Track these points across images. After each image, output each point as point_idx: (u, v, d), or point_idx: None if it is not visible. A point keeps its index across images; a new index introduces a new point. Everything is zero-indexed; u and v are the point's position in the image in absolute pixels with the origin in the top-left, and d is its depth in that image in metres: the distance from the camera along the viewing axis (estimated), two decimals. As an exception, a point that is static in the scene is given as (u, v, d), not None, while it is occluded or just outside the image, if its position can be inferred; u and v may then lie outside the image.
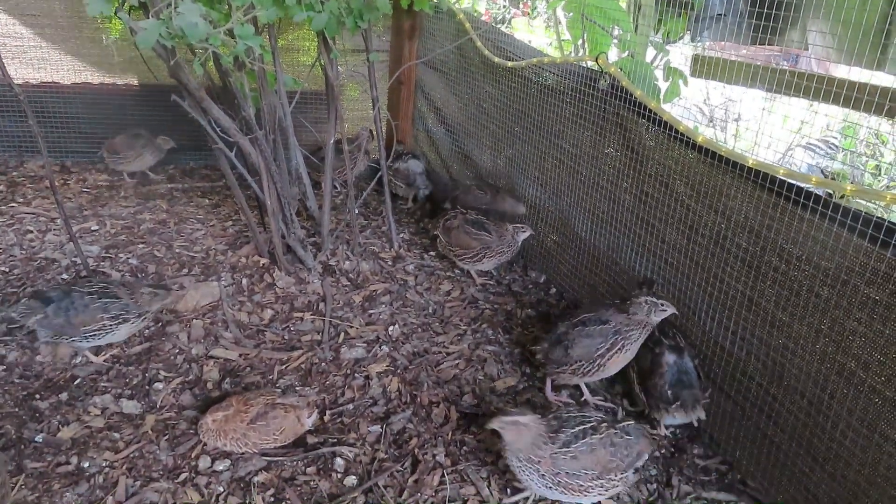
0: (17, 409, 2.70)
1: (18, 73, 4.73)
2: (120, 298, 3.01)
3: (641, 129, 3.03)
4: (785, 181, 2.39)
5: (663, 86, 3.54)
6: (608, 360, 2.76)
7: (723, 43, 4.44)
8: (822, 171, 5.74)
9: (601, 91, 3.21)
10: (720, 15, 4.42)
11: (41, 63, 4.82)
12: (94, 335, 2.95)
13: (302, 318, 3.38)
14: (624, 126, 3.14)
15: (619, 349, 2.75)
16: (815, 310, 2.31)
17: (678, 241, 2.93)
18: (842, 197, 2.30)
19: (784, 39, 3.61)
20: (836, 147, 6.13)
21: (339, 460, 2.53)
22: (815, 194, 2.31)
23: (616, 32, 3.98)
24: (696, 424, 2.76)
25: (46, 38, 4.77)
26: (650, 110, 2.92)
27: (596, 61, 3.18)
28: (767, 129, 3.46)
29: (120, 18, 2.86)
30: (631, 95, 3.02)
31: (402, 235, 4.32)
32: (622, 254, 3.30)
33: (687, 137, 2.74)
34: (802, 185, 2.34)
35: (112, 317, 2.96)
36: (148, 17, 2.77)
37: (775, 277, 2.46)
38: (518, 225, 3.71)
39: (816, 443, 2.35)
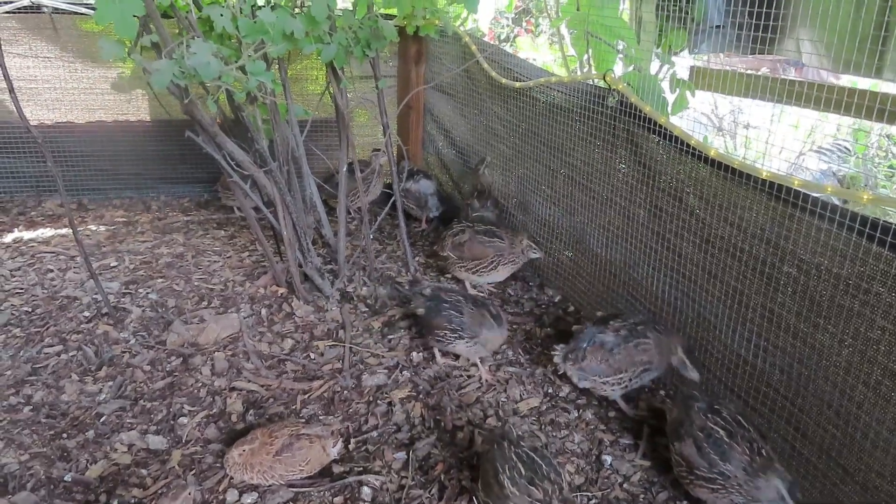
0: (45, 449, 2.72)
1: (34, 114, 4.82)
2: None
3: (652, 144, 3.05)
4: (800, 191, 2.39)
5: (670, 97, 3.55)
6: None
7: (721, 55, 4.46)
8: (834, 176, 5.72)
9: (610, 108, 3.23)
10: (718, 27, 4.45)
11: (55, 104, 4.92)
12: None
13: (322, 347, 3.39)
14: (634, 142, 3.16)
15: None
16: (837, 319, 2.29)
17: (694, 255, 2.92)
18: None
19: (780, 49, 3.64)
20: (849, 151, 6.11)
21: (365, 489, 2.53)
22: (832, 203, 2.31)
23: (620, 47, 4.01)
24: None
25: (60, 80, 4.86)
26: (660, 125, 2.93)
27: (604, 79, 3.21)
28: (777, 136, 3.47)
29: (133, 59, 2.92)
30: (640, 111, 3.04)
31: (417, 259, 4.34)
32: (638, 269, 3.30)
33: (699, 151, 2.75)
34: (818, 195, 2.34)
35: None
36: (160, 57, 2.83)
37: (795, 287, 2.45)
38: (531, 244, 3.78)
39: (846, 454, 2.32)
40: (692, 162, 2.84)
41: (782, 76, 4.36)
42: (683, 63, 4.51)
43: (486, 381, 3.16)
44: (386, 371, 3.20)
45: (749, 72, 4.15)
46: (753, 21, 3.55)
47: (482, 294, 3.90)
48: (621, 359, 2.87)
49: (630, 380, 2.88)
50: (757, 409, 2.70)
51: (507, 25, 8.35)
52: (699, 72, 4.46)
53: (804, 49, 3.40)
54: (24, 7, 4.61)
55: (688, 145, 2.80)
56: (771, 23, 3.43)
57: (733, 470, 2.30)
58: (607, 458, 2.70)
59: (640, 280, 3.29)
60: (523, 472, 2.23)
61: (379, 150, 4.86)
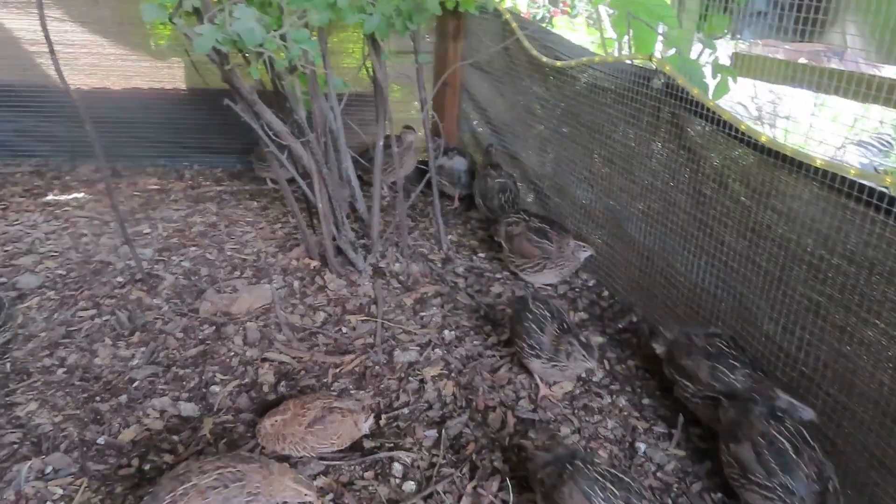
0: (78, 411, 2.75)
1: (71, 79, 4.76)
2: None
3: (697, 127, 2.96)
4: (855, 181, 2.30)
5: (711, 83, 3.46)
6: None
7: (763, 41, 4.34)
8: (875, 170, 5.57)
9: (654, 90, 3.15)
10: (762, 12, 4.33)
11: (92, 69, 4.94)
12: None
13: (354, 321, 3.38)
14: (678, 125, 3.07)
15: None
16: (888, 314, 2.22)
17: (737, 244, 2.85)
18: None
19: (824, 38, 3.52)
20: (890, 144, 5.95)
21: (396, 465, 2.52)
22: (889, 195, 2.23)
23: (661, 29, 3.91)
24: None
25: (97, 45, 4.87)
26: (707, 109, 2.85)
27: (650, 59, 3.12)
28: (817, 127, 3.36)
29: (174, 24, 2.89)
30: (686, 94, 2.96)
31: (450, 237, 4.30)
32: (677, 256, 3.23)
33: (747, 136, 2.67)
34: (874, 185, 2.25)
35: None
36: (201, 23, 2.80)
37: (844, 281, 2.37)
38: (580, 243, 3.58)
39: (892, 453, 2.26)
40: (739, 147, 2.75)
41: (825, 65, 4.23)
42: (724, 48, 4.40)
43: (545, 397, 2.92)
44: (418, 348, 3.18)
45: (789, 60, 4.04)
46: (799, 9, 3.44)
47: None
48: None
49: None
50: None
51: (544, 5, 8.20)
52: (740, 58, 4.34)
53: (850, 39, 3.29)
54: (65, -30, 4.61)
55: (736, 130, 2.72)
56: (817, 13, 3.32)
57: (797, 487, 2.19)
58: (641, 446, 2.66)
59: (679, 267, 3.22)
60: (617, 492, 2.08)
61: (410, 127, 4.81)
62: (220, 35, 2.57)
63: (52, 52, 3.04)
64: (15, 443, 2.58)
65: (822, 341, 2.50)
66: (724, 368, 2.61)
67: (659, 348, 2.94)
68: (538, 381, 2.97)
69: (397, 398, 2.87)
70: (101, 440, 2.62)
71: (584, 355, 2.74)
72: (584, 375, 3.03)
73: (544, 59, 3.80)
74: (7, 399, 2.80)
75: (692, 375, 2.69)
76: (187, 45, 4.04)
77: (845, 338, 2.40)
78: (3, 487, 2.38)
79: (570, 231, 3.71)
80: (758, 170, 2.68)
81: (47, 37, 3.01)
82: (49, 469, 2.46)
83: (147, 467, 2.50)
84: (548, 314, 2.93)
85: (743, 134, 2.68)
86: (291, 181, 3.61)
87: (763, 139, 2.59)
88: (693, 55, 4.22)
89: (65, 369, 2.99)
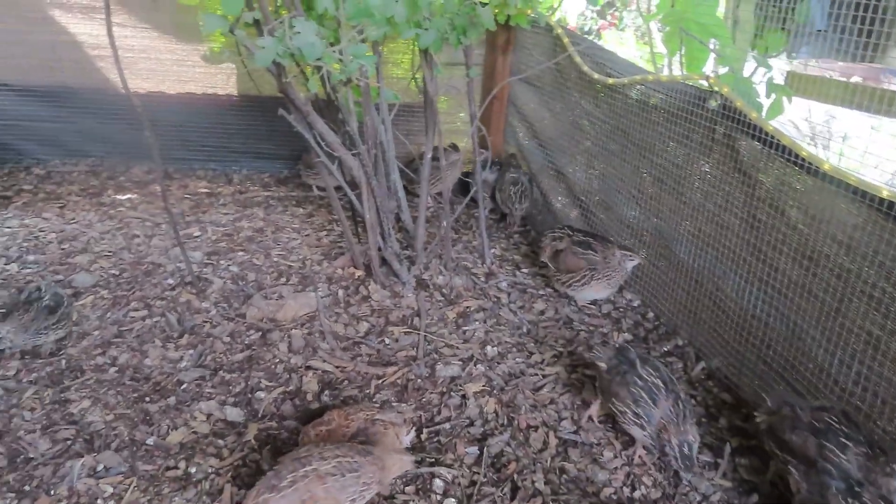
0: (129, 411, 2.82)
1: (130, 83, 4.91)
2: None
3: (753, 150, 2.90)
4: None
5: (765, 102, 3.39)
6: None
7: (820, 60, 4.24)
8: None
9: (710, 110, 3.10)
10: (820, 31, 4.23)
11: (149, 74, 5.07)
12: None
13: (397, 333, 3.40)
14: (733, 147, 3.02)
15: None
16: (955, 354, 2.14)
17: (792, 272, 2.78)
18: None
19: (885, 58, 3.42)
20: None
21: (438, 481, 2.52)
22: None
23: (713, 46, 3.85)
24: None
25: (155, 50, 5.00)
26: (765, 132, 2.79)
27: (707, 80, 3.08)
28: (874, 148, 3.26)
29: (234, 35, 2.95)
30: (742, 115, 2.90)
31: (493, 251, 4.29)
32: (727, 280, 3.17)
33: (808, 163, 2.61)
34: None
35: None
36: (260, 35, 2.85)
37: (907, 315, 2.30)
38: (626, 252, 3.55)
39: (953, 497, 2.17)
40: (797, 173, 2.69)
41: (883, 86, 4.11)
42: (779, 66, 4.30)
43: (640, 457, 2.68)
44: (460, 363, 3.18)
45: (846, 79, 3.93)
46: (860, 29, 3.35)
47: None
48: None
49: None
50: (851, 438, 2.55)
51: (592, 18, 8.16)
52: (795, 76, 4.25)
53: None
54: (126, -22, 4.75)
55: (795, 155, 2.66)
56: (881, 28, 3.23)
57: None
58: (685, 475, 2.61)
59: (728, 292, 3.15)
60: None
61: (454, 146, 4.83)
62: (280, 48, 2.61)
63: (116, 57, 3.13)
64: (69, 439, 2.65)
65: (880, 376, 2.43)
66: (835, 447, 2.27)
67: (760, 417, 2.64)
68: (638, 444, 2.70)
69: (439, 412, 2.87)
70: (150, 440, 2.67)
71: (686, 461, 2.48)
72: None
73: (596, 75, 3.78)
74: (62, 395, 2.88)
75: (797, 452, 2.37)
76: (244, 54, 4.12)
77: (906, 375, 2.32)
78: (57, 483, 2.45)
79: (614, 242, 3.67)
80: (817, 196, 2.61)
81: (112, 42, 3.10)
82: (100, 467, 2.53)
83: (193, 470, 2.54)
84: (660, 383, 2.63)
85: (803, 160, 2.62)
86: (338, 189, 3.66)
87: (826, 167, 2.53)
88: (745, 73, 4.15)
89: (116, 368, 3.07)
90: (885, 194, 2.31)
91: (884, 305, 2.38)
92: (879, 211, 2.36)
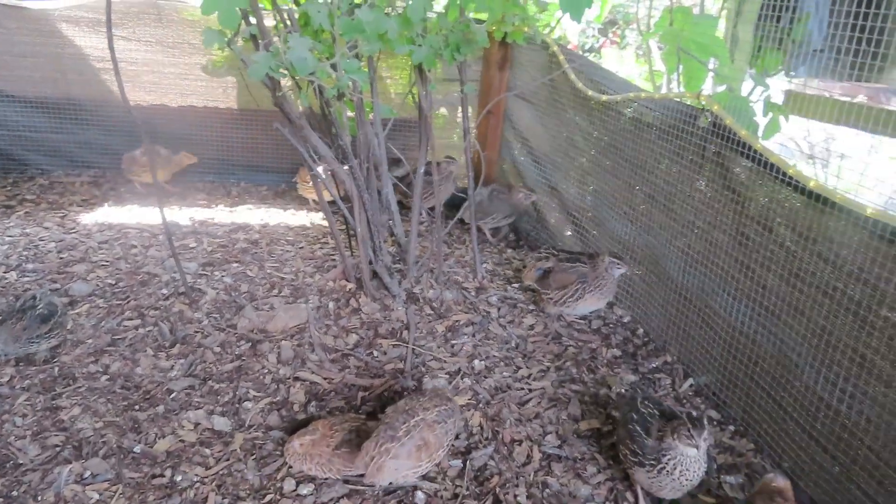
0: (118, 419, 2.84)
1: (132, 95, 5.04)
2: None
3: (743, 168, 2.92)
4: (906, 232, 2.24)
5: (762, 121, 3.41)
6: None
7: (818, 79, 4.26)
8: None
9: (700, 128, 3.13)
10: (819, 50, 4.25)
11: (152, 87, 5.14)
12: None
13: (385, 345, 3.41)
14: (724, 165, 3.04)
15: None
16: (937, 373, 2.14)
17: (780, 288, 2.79)
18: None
19: (884, 77, 3.44)
20: (950, 189, 5.74)
21: (419, 494, 2.52)
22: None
23: (712, 65, 3.88)
24: None
25: (158, 64, 5.08)
26: (754, 150, 2.81)
27: (698, 98, 3.11)
28: (873, 167, 3.27)
29: (232, 49, 3.01)
30: (733, 134, 2.93)
31: (485, 265, 4.31)
32: (716, 297, 3.17)
33: (795, 181, 2.62)
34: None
35: None
36: (257, 49, 2.91)
37: (892, 333, 2.30)
38: (613, 259, 3.55)
39: (936, 517, 2.16)
40: (786, 191, 2.71)
41: (883, 105, 4.13)
42: (777, 85, 4.33)
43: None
44: (447, 376, 3.19)
45: (846, 99, 3.94)
46: (860, 46, 3.37)
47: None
48: None
49: None
50: (836, 456, 2.55)
51: (593, 35, 8.23)
52: (794, 96, 4.27)
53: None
54: (132, -7, 4.85)
55: (783, 173, 2.67)
56: (878, 49, 3.25)
57: None
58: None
59: (717, 309, 3.16)
60: None
61: (453, 157, 4.87)
62: (273, 63, 2.66)
63: (116, 70, 3.18)
64: (58, 446, 2.67)
65: (865, 395, 2.42)
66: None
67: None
68: (639, 495, 2.58)
69: (425, 425, 2.87)
70: (137, 448, 2.69)
71: (690, 435, 2.35)
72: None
73: (590, 92, 3.82)
74: (53, 402, 2.90)
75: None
76: (242, 69, 4.19)
77: (891, 392, 2.32)
78: (44, 489, 2.47)
79: (600, 252, 3.68)
80: (805, 214, 2.62)
81: (113, 55, 3.15)
82: (87, 473, 2.54)
83: (179, 478, 2.55)
84: (657, 413, 2.56)
85: (790, 177, 2.64)
86: (332, 203, 3.69)
87: (811, 184, 2.54)
88: (744, 92, 4.17)
89: (108, 376, 3.09)
90: (869, 212, 2.32)
91: (868, 323, 2.38)
92: (864, 228, 2.37)
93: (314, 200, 5.03)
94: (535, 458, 2.72)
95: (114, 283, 3.85)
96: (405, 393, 3.06)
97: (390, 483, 2.49)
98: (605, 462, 2.73)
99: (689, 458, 2.37)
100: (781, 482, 2.38)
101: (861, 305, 2.40)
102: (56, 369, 3.12)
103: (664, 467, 2.38)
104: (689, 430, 2.34)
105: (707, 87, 4.14)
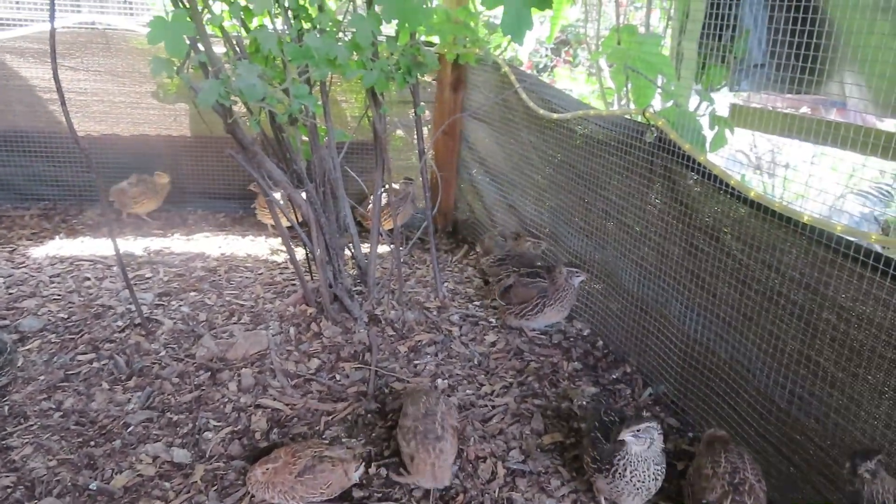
0: (72, 456, 2.76)
1: (82, 125, 4.97)
2: None
3: (690, 181, 3.02)
4: (843, 238, 2.34)
5: (709, 134, 3.52)
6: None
7: (761, 93, 4.43)
8: (876, 220, 5.61)
9: (648, 143, 3.22)
10: (759, 65, 4.42)
11: (103, 116, 5.08)
12: None
13: (347, 368, 3.40)
14: (671, 178, 3.14)
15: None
16: (877, 370, 2.23)
17: (730, 296, 2.87)
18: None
19: (823, 90, 3.59)
20: (890, 194, 6.00)
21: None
22: (875, 251, 2.26)
23: (660, 81, 4.00)
24: None
25: (108, 93, 5.02)
26: (699, 163, 2.91)
27: (643, 114, 3.20)
28: (816, 177, 3.41)
29: (181, 77, 3.00)
30: (679, 147, 3.02)
31: (446, 284, 4.34)
32: (671, 307, 3.25)
33: (738, 191, 2.72)
34: (861, 242, 2.29)
35: None
36: (207, 77, 2.91)
37: (834, 335, 2.39)
38: (571, 268, 3.62)
39: (885, 512, 2.24)
40: (730, 201, 2.80)
41: (823, 117, 4.31)
42: (723, 100, 4.48)
43: None
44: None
45: (789, 111, 4.11)
46: (797, 62, 3.51)
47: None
48: None
49: None
50: (790, 458, 2.62)
51: (546, 55, 8.40)
52: (738, 110, 4.42)
53: (848, 91, 3.36)
54: (80, 23, 4.79)
55: (726, 184, 2.77)
56: (815, 64, 3.39)
57: None
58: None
59: (672, 318, 3.24)
60: None
61: (410, 178, 4.92)
62: (222, 90, 2.66)
63: (62, 101, 3.14)
64: (9, 487, 2.58)
65: (812, 395, 2.51)
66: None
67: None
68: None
69: (388, 447, 2.87)
70: (93, 485, 2.62)
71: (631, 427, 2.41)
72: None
73: (541, 111, 3.90)
74: (3, 442, 2.81)
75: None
76: (193, 96, 4.18)
77: (836, 392, 2.40)
78: (-7, 534, 2.38)
79: (558, 264, 3.73)
80: (749, 223, 2.72)
81: (58, 87, 3.11)
82: (40, 515, 2.47)
83: (137, 514, 2.49)
84: (618, 421, 2.60)
85: (733, 189, 2.73)
86: (291, 228, 3.68)
87: (752, 194, 2.64)
88: (692, 107, 4.30)
89: (61, 413, 3.01)
90: (805, 219, 2.42)
91: (812, 326, 2.47)
92: (803, 235, 2.47)
93: (272, 226, 5.01)
94: (499, 475, 2.73)
95: (66, 316, 3.76)
96: (369, 416, 3.05)
97: None
98: (569, 475, 2.76)
99: (637, 458, 2.42)
100: (720, 433, 2.67)
101: (804, 310, 2.49)
102: (6, 408, 3.02)
103: (616, 469, 2.43)
104: (631, 423, 2.41)
105: (656, 103, 4.26)
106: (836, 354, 2.38)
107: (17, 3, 5.05)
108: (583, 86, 7.19)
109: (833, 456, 2.43)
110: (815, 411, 2.49)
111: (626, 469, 2.43)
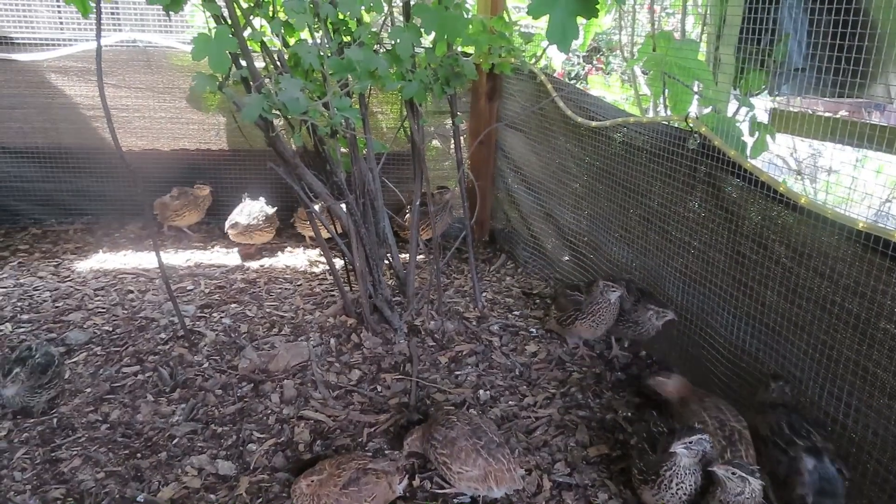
0: (119, 468, 2.79)
1: (125, 141, 5.03)
2: None
3: (735, 188, 2.96)
4: (900, 244, 2.26)
5: (749, 140, 3.46)
6: None
7: (801, 97, 4.34)
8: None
9: (690, 150, 3.17)
10: (799, 69, 4.33)
11: (144, 132, 5.18)
12: None
13: (389, 379, 3.39)
14: (715, 185, 3.08)
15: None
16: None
17: (779, 305, 2.80)
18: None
19: (866, 93, 3.50)
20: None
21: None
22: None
23: (697, 87, 3.94)
24: None
25: (149, 109, 5.12)
26: (745, 169, 2.85)
27: (685, 121, 3.16)
28: (860, 181, 3.32)
29: (224, 93, 3.04)
30: (723, 154, 2.97)
31: (484, 294, 4.31)
32: (716, 316, 3.18)
33: (787, 198, 2.66)
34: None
35: None
36: (249, 91, 2.94)
37: (893, 345, 2.31)
38: (608, 282, 3.44)
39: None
40: (779, 208, 2.74)
41: (865, 120, 4.20)
42: (762, 105, 4.40)
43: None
44: (453, 408, 3.16)
45: (829, 115, 4.01)
46: (840, 64, 3.43)
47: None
48: None
49: None
50: (845, 472, 2.53)
51: (579, 63, 8.35)
52: (778, 114, 4.34)
53: (894, 93, 3.27)
54: (122, 41, 4.91)
55: (774, 191, 2.71)
56: (858, 66, 3.31)
57: None
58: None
59: (718, 328, 3.17)
60: None
61: (446, 187, 4.91)
62: (266, 104, 2.69)
63: (108, 118, 3.20)
64: (58, 499, 2.62)
65: (870, 408, 2.42)
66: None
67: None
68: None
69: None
70: (140, 497, 2.64)
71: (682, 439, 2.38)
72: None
73: (579, 119, 3.87)
74: (52, 455, 2.86)
75: None
76: (233, 110, 4.24)
77: (895, 404, 2.32)
78: (45, 544, 2.41)
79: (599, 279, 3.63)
80: (798, 230, 2.65)
81: (104, 104, 3.17)
82: (90, 527, 2.50)
83: (184, 527, 2.51)
84: (665, 431, 2.59)
85: (782, 195, 2.67)
86: (329, 239, 3.70)
87: (802, 200, 2.57)
88: (730, 112, 4.23)
89: (108, 425, 3.05)
90: (861, 226, 2.35)
91: (868, 336, 2.39)
92: (857, 242, 2.40)
93: (311, 237, 5.04)
94: (545, 488, 2.69)
95: (111, 329, 3.82)
96: (411, 427, 3.03)
97: None
98: (616, 488, 2.71)
99: (685, 471, 2.39)
100: (679, 385, 2.96)
101: (860, 319, 2.41)
102: (55, 420, 3.07)
103: (663, 480, 2.40)
104: (682, 434, 2.39)
105: (693, 109, 4.20)
106: (894, 365, 2.30)
107: (62, 23, 5.18)
108: (616, 93, 7.13)
109: (893, 471, 2.34)
110: (874, 424, 2.41)
111: (671, 479, 2.39)
